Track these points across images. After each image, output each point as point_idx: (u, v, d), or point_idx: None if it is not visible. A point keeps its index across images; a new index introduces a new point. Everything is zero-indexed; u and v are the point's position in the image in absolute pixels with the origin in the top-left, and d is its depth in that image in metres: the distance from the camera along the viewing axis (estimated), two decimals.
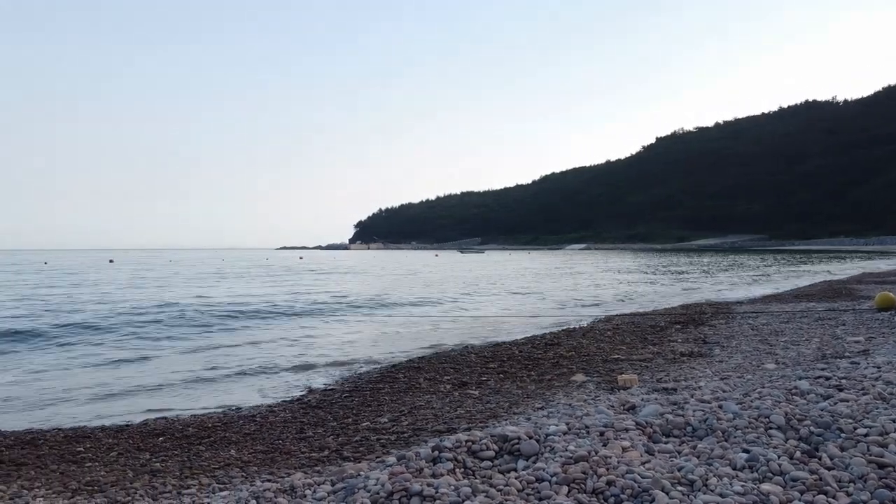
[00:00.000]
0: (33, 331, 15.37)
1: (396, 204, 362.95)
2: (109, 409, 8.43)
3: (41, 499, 4.74)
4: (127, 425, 7.31)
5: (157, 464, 5.68)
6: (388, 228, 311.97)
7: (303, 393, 8.93)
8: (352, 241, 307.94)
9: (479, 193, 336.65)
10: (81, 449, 6.20)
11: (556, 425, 4.31)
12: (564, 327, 15.20)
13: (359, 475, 3.79)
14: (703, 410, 4.61)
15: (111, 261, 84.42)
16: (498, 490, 3.31)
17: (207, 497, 4.61)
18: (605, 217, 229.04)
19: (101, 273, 49.46)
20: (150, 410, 8.19)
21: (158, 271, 52.60)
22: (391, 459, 3.88)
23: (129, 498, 4.73)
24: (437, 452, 3.75)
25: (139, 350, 13.20)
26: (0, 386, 9.83)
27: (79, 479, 5.25)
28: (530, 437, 3.95)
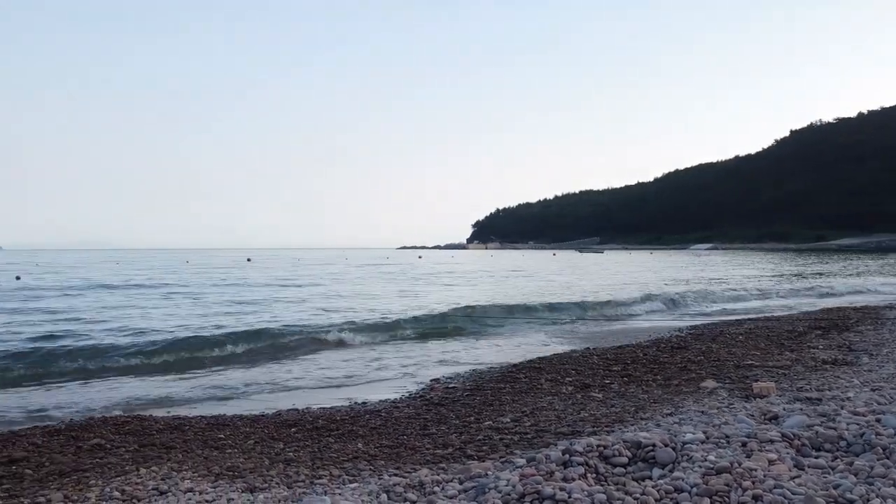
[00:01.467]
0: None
1: (514, 203, 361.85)
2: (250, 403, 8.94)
3: (188, 480, 5.06)
4: (262, 415, 7.69)
5: (291, 453, 5.92)
6: (505, 228, 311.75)
7: (425, 390, 9.06)
8: (469, 240, 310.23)
9: (597, 192, 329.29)
10: (222, 436, 6.58)
11: (693, 433, 4.10)
12: (691, 331, 14.56)
13: (486, 475, 3.77)
14: (857, 424, 4.24)
15: (249, 259, 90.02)
16: (634, 498, 3.17)
17: (338, 488, 4.75)
18: (734, 215, 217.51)
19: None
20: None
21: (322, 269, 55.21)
22: (520, 461, 3.83)
23: (266, 484, 4.96)
24: (567, 456, 3.67)
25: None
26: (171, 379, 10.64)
27: (220, 463, 5.56)
28: (665, 445, 3.78)
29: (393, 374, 10.78)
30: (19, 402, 8.83)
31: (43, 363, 11.30)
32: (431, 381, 9.84)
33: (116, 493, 4.78)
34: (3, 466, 5.57)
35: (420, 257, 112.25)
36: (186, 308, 21.13)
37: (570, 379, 9.11)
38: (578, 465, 3.58)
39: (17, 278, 39.94)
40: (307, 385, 10.02)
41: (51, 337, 13.92)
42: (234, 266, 61.84)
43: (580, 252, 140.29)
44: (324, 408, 8.09)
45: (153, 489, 4.86)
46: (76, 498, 4.72)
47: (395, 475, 5.10)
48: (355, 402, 8.42)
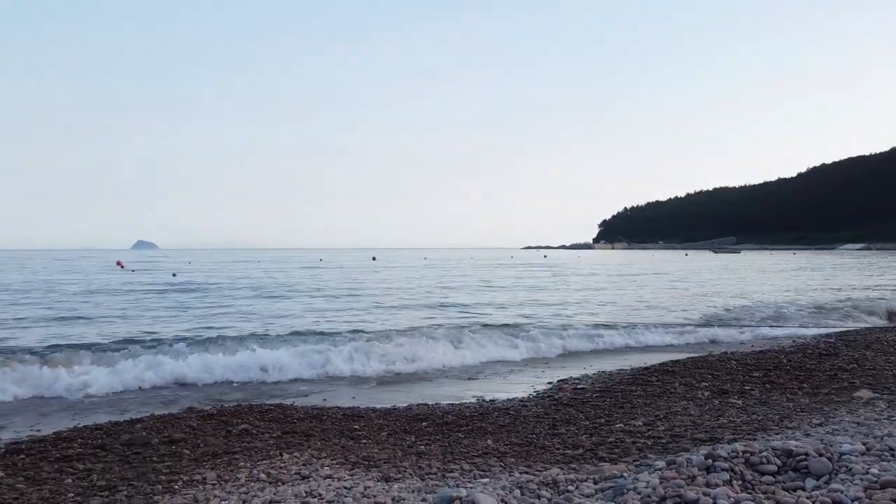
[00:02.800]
0: None
1: (642, 202, 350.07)
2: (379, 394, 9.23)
3: (327, 468, 5.30)
4: (394, 408, 7.92)
5: (422, 446, 6.05)
6: (633, 227, 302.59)
7: (553, 390, 8.97)
8: (595, 240, 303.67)
9: (733, 189, 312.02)
10: (357, 427, 6.84)
11: (851, 444, 3.80)
12: (841, 337, 13.50)
13: (623, 476, 3.68)
14: None
15: (374, 258, 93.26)
16: None
17: (470, 482, 4.80)
18: (890, 213, 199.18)
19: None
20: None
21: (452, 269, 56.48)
22: (660, 464, 3.70)
23: (400, 475, 5.10)
24: (710, 461, 3.50)
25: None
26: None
27: (356, 453, 5.78)
28: (820, 455, 3.52)
29: (520, 373, 10.78)
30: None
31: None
32: (559, 381, 9.74)
33: (263, 475, 5.09)
34: (164, 445, 6.09)
35: (545, 256, 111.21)
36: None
37: (706, 384, 8.71)
38: (723, 470, 3.41)
39: (174, 275, 43.43)
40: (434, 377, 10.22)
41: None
42: (364, 265, 64.02)
43: (714, 252, 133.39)
44: (452, 404, 8.21)
45: (296, 474, 5.13)
46: (228, 478, 5.06)
47: (526, 473, 5.09)
48: (483, 399, 8.49)
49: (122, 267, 57.59)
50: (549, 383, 9.60)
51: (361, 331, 14.55)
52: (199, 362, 10.53)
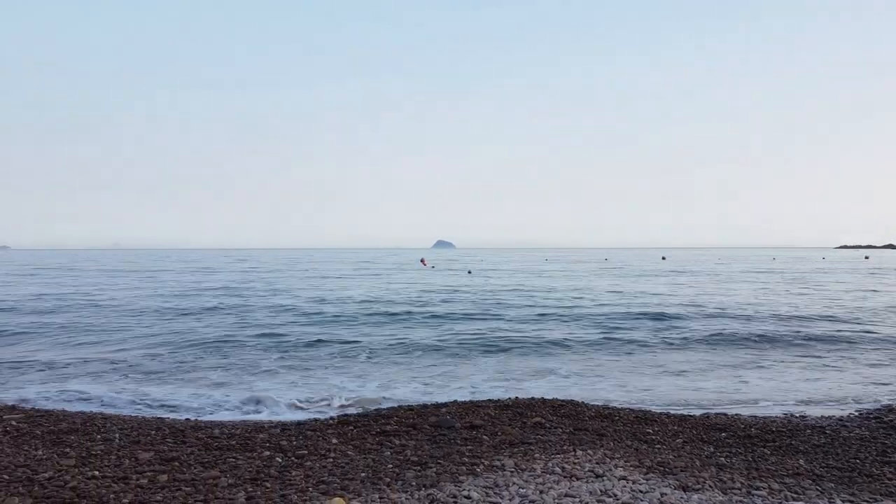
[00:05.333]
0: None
1: None
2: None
3: (621, 469, 5.25)
4: (689, 416, 7.56)
5: (723, 458, 5.68)
6: None
7: (881, 411, 7.80)
8: None
9: None
10: (650, 431, 6.65)
11: None
12: None
13: None
14: None
15: (664, 258, 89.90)
16: None
17: (780, 503, 4.39)
18: None
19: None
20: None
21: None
22: None
23: (700, 486, 4.85)
24: None
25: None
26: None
27: (651, 457, 5.63)
28: None
29: (836, 389, 9.55)
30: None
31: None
32: (890, 401, 8.43)
33: (557, 469, 5.21)
34: (466, 430, 6.56)
35: (867, 258, 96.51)
36: None
37: None
38: None
39: (469, 272, 46.50)
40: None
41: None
42: (656, 266, 61.92)
43: None
44: (755, 416, 7.58)
45: (589, 471, 5.16)
46: (524, 467, 5.28)
47: (849, 502, 4.51)
48: (792, 415, 7.69)
49: (425, 265, 63.14)
50: (877, 402, 8.37)
51: None
52: None
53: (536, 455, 5.65)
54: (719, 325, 16.47)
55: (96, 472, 5.10)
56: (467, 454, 5.69)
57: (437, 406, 7.77)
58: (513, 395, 8.54)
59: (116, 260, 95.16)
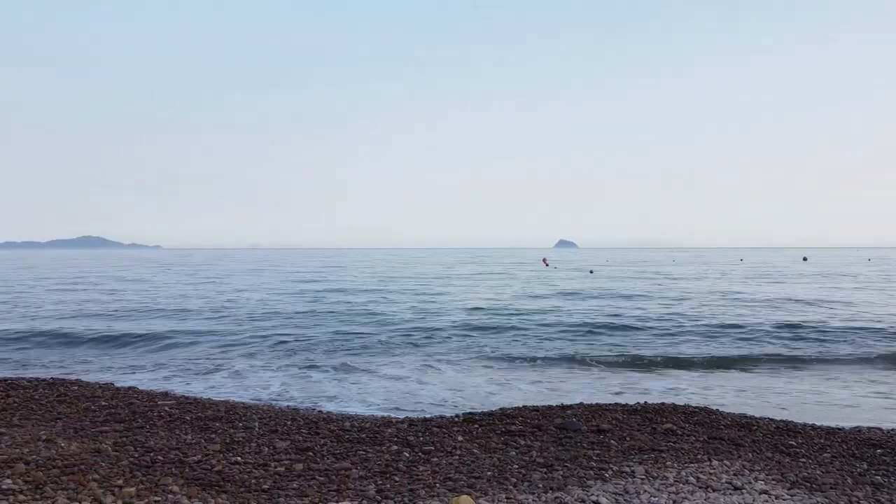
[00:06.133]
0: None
1: None
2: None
3: (761, 482, 4.93)
4: (838, 429, 7.00)
5: (879, 477, 5.20)
6: None
7: None
8: None
9: None
10: (793, 443, 6.21)
11: None
12: None
13: None
14: None
15: (805, 258, 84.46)
16: None
17: None
18: None
19: None
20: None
21: None
22: None
23: None
24: None
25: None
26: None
27: (795, 472, 5.24)
28: None
29: None
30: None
31: None
32: None
33: (692, 479, 4.97)
34: (593, 434, 6.41)
35: None
36: None
37: None
38: None
39: (591, 272, 45.63)
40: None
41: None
42: (797, 267, 58.17)
43: None
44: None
45: (727, 483, 4.89)
46: (655, 475, 5.08)
47: None
48: None
49: (547, 265, 62.58)
50: None
51: None
52: None
53: (668, 463, 5.42)
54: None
55: (239, 458, 5.42)
56: (595, 458, 5.56)
57: (563, 408, 7.65)
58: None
59: (284, 260, 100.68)
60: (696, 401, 8.55)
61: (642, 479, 4.98)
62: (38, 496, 4.28)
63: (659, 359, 11.97)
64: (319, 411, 7.96)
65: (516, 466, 5.33)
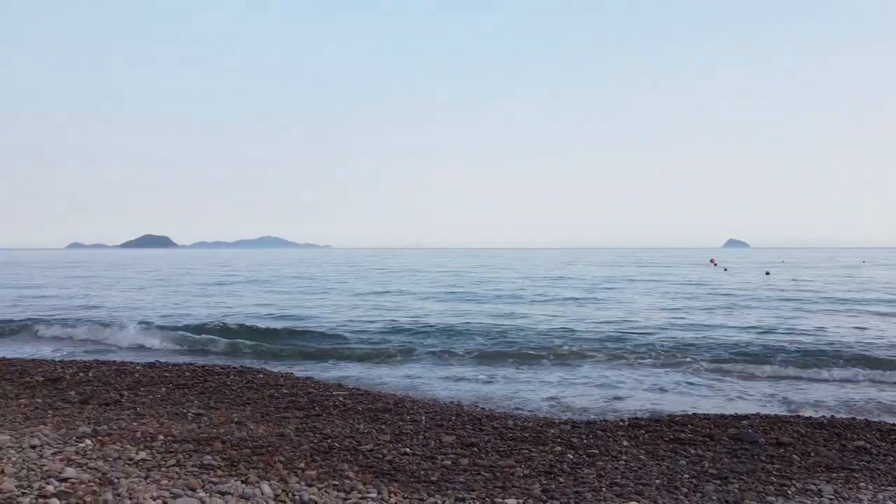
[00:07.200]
0: None
1: None
2: None
3: None
4: None
5: None
6: None
7: None
8: None
9: None
10: None
11: None
12: None
13: None
14: None
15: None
16: None
17: None
18: None
19: None
20: None
21: None
22: None
23: None
24: None
25: None
26: None
27: None
28: None
29: None
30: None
31: None
32: None
33: (890, 502, 4.50)
34: (772, 447, 5.98)
35: None
36: None
37: None
38: None
39: (767, 273, 42.64)
40: None
41: None
42: None
43: None
44: None
45: None
46: (847, 496, 4.65)
47: None
48: None
49: (716, 265, 59.27)
50: None
51: None
52: None
53: (861, 484, 4.94)
54: None
55: (408, 450, 5.65)
56: (775, 473, 5.19)
57: (737, 417, 7.21)
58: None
59: (459, 260, 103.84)
60: None
61: (831, 498, 4.58)
62: (233, 472, 4.71)
63: None
64: (482, 408, 8.08)
65: (687, 476, 5.10)
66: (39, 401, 7.38)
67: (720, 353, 12.30)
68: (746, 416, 7.27)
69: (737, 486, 4.86)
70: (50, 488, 4.02)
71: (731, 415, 7.41)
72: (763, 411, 7.83)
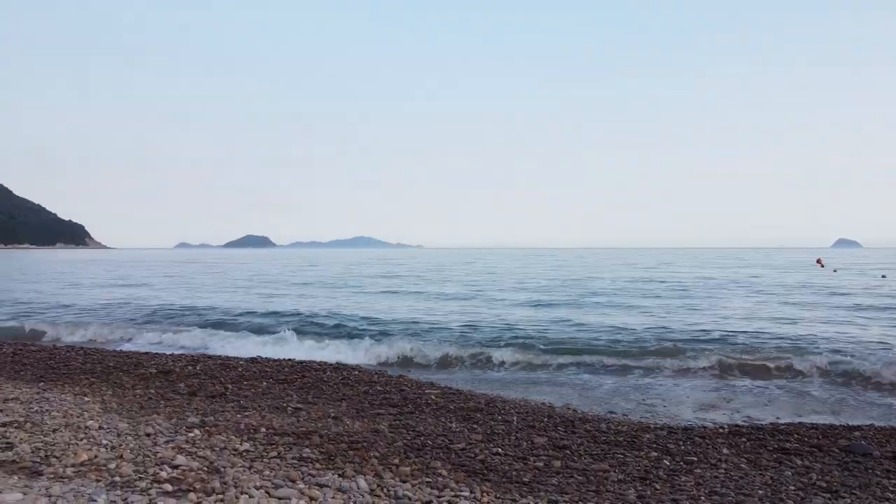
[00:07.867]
0: None
1: None
2: None
3: None
4: None
5: None
6: None
7: None
8: None
9: None
10: None
11: None
12: None
13: None
14: None
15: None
16: None
17: None
18: None
19: None
20: None
21: None
22: None
23: None
24: None
25: None
26: None
27: None
28: None
29: None
30: None
31: None
32: None
33: None
34: (888, 461, 5.62)
35: None
36: None
37: None
38: None
39: (883, 276, 39.89)
40: None
41: None
42: None
43: None
44: None
45: None
46: None
47: None
48: None
49: (823, 266, 56.07)
50: None
51: None
52: None
53: None
54: None
55: (499, 450, 5.66)
56: (891, 489, 4.87)
57: (848, 428, 6.80)
58: None
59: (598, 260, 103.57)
60: None
61: None
62: (329, 466, 4.87)
63: None
64: (574, 410, 7.99)
65: (793, 488, 4.86)
66: (152, 391, 7.87)
67: (826, 361, 11.61)
68: (859, 427, 6.85)
69: (848, 500, 4.60)
70: (163, 474, 4.28)
71: (841, 425, 7.00)
72: (878, 423, 7.35)
